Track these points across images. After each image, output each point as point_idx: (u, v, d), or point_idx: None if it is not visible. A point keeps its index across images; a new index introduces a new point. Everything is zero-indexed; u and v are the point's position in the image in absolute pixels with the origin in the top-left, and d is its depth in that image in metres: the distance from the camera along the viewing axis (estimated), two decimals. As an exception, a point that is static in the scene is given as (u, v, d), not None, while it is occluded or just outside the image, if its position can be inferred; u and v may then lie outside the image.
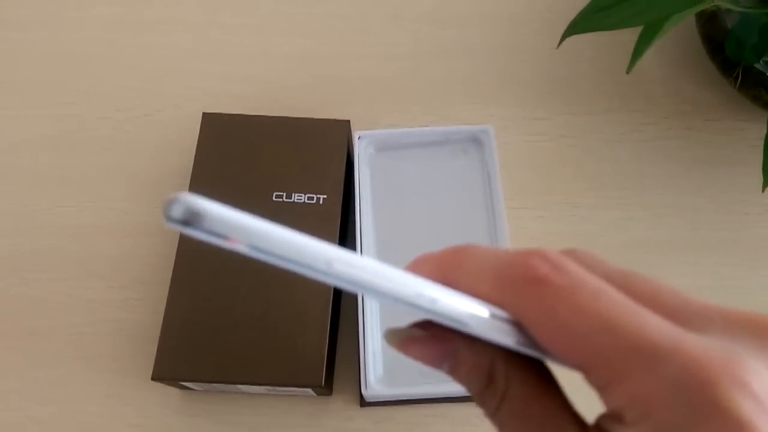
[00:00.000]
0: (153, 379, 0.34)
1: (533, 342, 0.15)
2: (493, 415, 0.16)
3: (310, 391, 0.36)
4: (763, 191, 0.35)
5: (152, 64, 0.49)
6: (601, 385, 0.14)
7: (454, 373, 0.17)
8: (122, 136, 0.46)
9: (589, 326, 0.14)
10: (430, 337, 0.17)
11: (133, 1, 0.51)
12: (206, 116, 0.41)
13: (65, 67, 0.49)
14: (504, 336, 0.15)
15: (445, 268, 0.17)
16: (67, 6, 0.51)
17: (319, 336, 0.35)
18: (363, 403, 0.37)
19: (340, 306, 0.40)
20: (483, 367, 0.16)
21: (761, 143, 0.36)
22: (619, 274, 0.16)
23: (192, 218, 0.12)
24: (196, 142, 0.40)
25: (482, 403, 0.17)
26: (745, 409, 0.12)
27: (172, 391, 0.38)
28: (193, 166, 0.39)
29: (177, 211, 0.12)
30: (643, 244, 0.42)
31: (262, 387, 0.35)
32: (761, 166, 0.36)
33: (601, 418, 0.15)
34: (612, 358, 0.13)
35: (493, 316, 0.15)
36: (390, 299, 0.14)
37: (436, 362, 0.17)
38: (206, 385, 0.36)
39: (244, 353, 0.34)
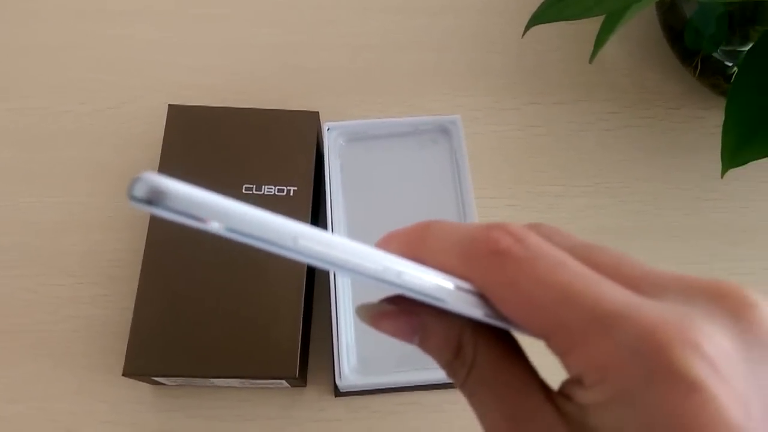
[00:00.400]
0: (124, 374, 0.34)
1: (497, 312, 0.16)
2: (463, 384, 0.17)
3: (284, 382, 0.36)
4: (722, 177, 0.37)
5: (116, 55, 0.48)
6: (561, 351, 0.14)
7: (424, 345, 0.17)
8: (86, 129, 0.45)
9: (549, 296, 0.14)
10: (400, 312, 0.17)
11: (95, -9, 0.50)
12: (172, 108, 0.40)
13: (25, 59, 0.47)
14: (469, 307, 0.15)
15: (412, 244, 0.17)
16: (25, -4, 0.50)
17: (292, 327, 0.35)
18: (337, 393, 0.38)
19: (313, 297, 0.40)
20: (451, 338, 0.17)
21: (720, 131, 0.37)
22: (583, 247, 0.16)
23: (155, 197, 0.12)
24: (162, 135, 0.40)
25: (452, 374, 0.17)
26: (697, 371, 0.12)
27: (144, 387, 0.38)
28: (160, 159, 0.39)
29: (140, 190, 0.12)
30: (610, 231, 0.43)
31: (236, 380, 0.35)
32: (720, 153, 0.37)
33: (565, 384, 0.15)
34: (571, 325, 0.14)
35: (458, 288, 0.15)
36: (356, 274, 0.14)
37: (406, 335, 0.17)
38: (178, 380, 0.36)
39: (216, 346, 0.34)
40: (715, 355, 0.13)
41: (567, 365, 0.14)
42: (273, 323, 0.35)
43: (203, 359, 0.34)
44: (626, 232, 0.43)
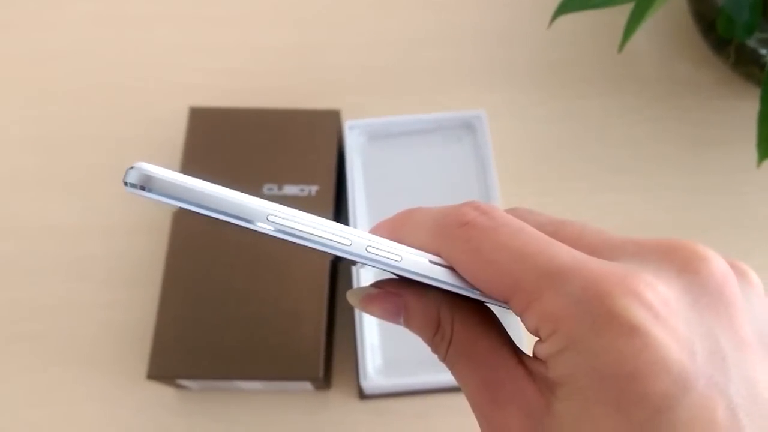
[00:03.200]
0: (149, 377, 0.33)
1: (466, 282, 0.17)
2: (445, 359, 0.18)
3: (308, 385, 0.35)
4: (758, 166, 0.35)
5: (136, 60, 0.48)
6: (520, 310, 0.15)
7: (409, 324, 0.18)
8: (108, 134, 0.45)
9: (507, 259, 0.15)
10: (386, 294, 0.19)
11: (115, -4, 0.50)
12: (194, 111, 0.40)
13: (46, 66, 0.48)
14: (440, 279, 0.16)
15: (394, 228, 0.18)
16: (46, 4, 0.50)
17: (316, 328, 0.34)
18: (362, 395, 0.37)
19: (336, 298, 0.39)
20: (431, 315, 0.18)
21: (755, 121, 0.35)
22: (550, 224, 0.17)
23: (146, 182, 0.13)
24: (183, 138, 0.39)
25: (435, 350, 0.18)
26: (637, 316, 0.13)
27: (167, 391, 0.38)
28: (182, 161, 0.39)
29: (132, 177, 0.13)
30: (641, 227, 0.42)
31: (260, 383, 0.35)
32: (756, 142, 0.35)
33: (533, 346, 0.16)
34: (526, 283, 0.15)
35: (431, 262, 0.17)
36: (325, 247, 0.15)
37: (392, 316, 0.19)
38: (202, 383, 0.35)
39: (240, 348, 0.34)
40: (655, 301, 0.14)
41: (525, 322, 0.15)
42: (296, 324, 0.34)
43: (227, 361, 0.34)
44: (657, 227, 0.42)
